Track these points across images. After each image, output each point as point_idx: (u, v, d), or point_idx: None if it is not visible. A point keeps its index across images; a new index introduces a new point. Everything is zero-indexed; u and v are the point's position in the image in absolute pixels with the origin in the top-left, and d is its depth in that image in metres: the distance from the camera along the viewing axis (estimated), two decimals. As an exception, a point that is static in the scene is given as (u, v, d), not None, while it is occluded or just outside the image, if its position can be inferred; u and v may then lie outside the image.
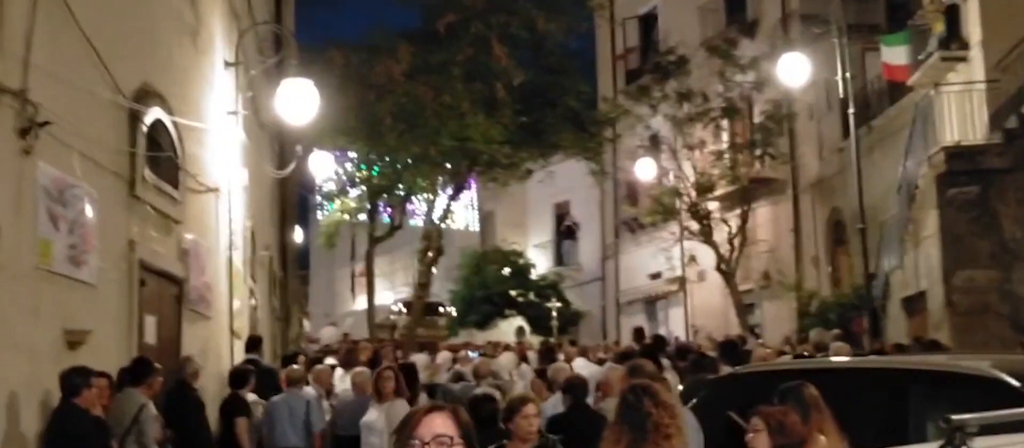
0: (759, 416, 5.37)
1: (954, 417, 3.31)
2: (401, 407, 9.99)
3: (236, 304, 15.45)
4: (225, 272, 14.87)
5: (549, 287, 39.65)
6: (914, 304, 20.34)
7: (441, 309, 34.74)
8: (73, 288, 8.82)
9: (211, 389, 12.89)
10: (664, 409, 5.58)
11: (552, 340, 26.12)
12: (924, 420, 6.20)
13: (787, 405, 5.74)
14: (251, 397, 11.80)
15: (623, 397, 5.77)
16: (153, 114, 11.01)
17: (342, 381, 14.63)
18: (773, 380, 7.30)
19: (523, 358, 19.19)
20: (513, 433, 6.81)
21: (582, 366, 15.09)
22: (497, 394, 9.62)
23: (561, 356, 17.07)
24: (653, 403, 5.55)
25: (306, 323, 29.32)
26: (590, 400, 9.31)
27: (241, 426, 11.10)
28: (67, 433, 7.64)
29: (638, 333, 22.74)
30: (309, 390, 12.56)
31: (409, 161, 27.16)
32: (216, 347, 14.16)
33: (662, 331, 31.83)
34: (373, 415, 10.53)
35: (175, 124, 11.84)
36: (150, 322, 10.89)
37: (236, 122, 15.41)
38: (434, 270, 33.88)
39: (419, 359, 22.17)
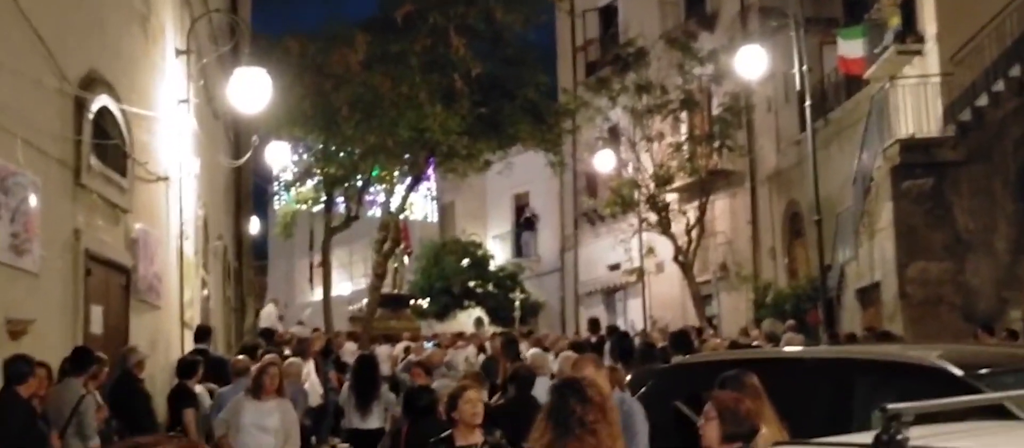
0: (712, 402, 5.33)
1: (890, 405, 3.27)
2: (289, 409, 9.86)
3: (187, 294, 15.29)
4: (176, 262, 14.72)
5: (508, 278, 39.59)
6: (868, 295, 20.49)
7: (412, 301, 34.58)
8: (15, 277, 8.66)
9: (161, 379, 12.76)
10: (589, 405, 5.54)
11: (513, 331, 26.09)
12: (870, 410, 6.19)
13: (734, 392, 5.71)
14: (199, 388, 11.64)
15: (550, 392, 5.76)
16: (100, 102, 10.85)
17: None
18: (720, 370, 7.29)
19: (482, 349, 19.14)
20: (458, 421, 6.79)
21: (541, 355, 15.03)
22: (440, 384, 9.63)
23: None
24: (578, 400, 5.52)
25: (270, 308, 29.04)
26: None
27: (189, 416, 10.96)
28: (6, 421, 7.49)
29: (593, 324, 22.76)
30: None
31: (366, 151, 26.97)
32: (166, 337, 14.00)
33: (620, 322, 31.98)
34: (258, 412, 9.61)
35: (123, 112, 11.68)
36: (96, 312, 10.73)
37: (187, 111, 15.23)
38: (406, 260, 33.86)
39: (382, 351, 22.17)
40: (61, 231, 9.89)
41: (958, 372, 5.99)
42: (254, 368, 10.46)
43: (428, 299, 38.26)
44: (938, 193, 18.60)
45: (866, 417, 6.16)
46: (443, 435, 6.84)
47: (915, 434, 3.29)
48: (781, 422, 5.56)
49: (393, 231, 28.83)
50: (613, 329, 20.38)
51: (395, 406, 12.82)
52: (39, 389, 8.35)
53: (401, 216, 31.25)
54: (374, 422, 12.47)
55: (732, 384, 5.82)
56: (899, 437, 3.23)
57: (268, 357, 11.01)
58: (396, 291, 34.84)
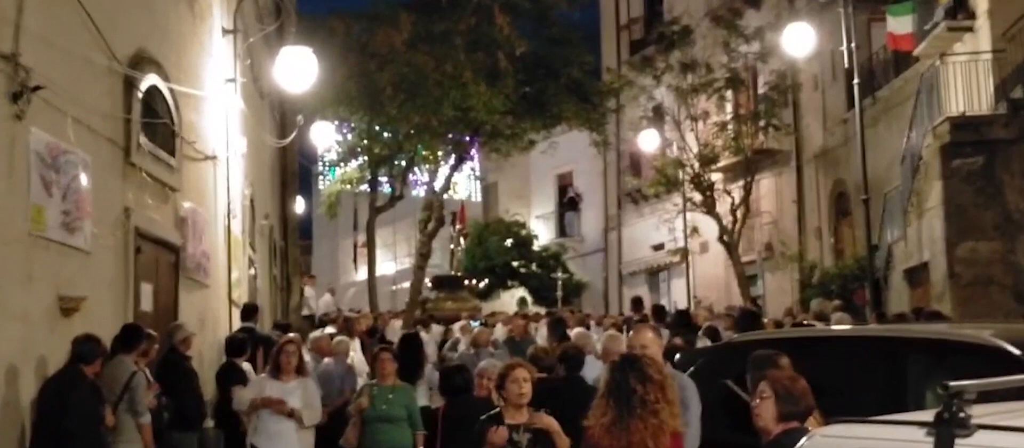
0: (767, 381, 5.27)
1: (952, 383, 3.22)
2: (312, 387, 9.92)
3: (235, 273, 15.39)
4: (223, 240, 14.81)
5: (552, 258, 39.58)
6: (917, 275, 20.26)
7: (467, 282, 34.60)
8: (67, 255, 8.75)
9: (209, 357, 12.87)
10: (650, 384, 5.54)
11: (561, 311, 26.06)
12: (923, 388, 6.13)
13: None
14: (247, 366, 11.72)
15: (609, 370, 5.75)
16: (149, 80, 10.93)
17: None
18: (774, 347, 7.23)
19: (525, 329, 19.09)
20: (506, 400, 6.78)
21: (584, 334, 15.00)
22: (488, 364, 9.62)
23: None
24: (638, 379, 5.53)
25: (309, 289, 29.14)
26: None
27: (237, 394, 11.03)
28: (71, 399, 7.59)
29: (636, 303, 22.71)
30: (306, 359, 12.49)
31: (411, 131, 27.03)
32: (214, 315, 14.11)
33: (664, 302, 31.87)
34: (280, 393, 9.60)
35: (172, 91, 11.76)
36: (146, 289, 10.83)
37: (234, 90, 15.31)
38: (462, 241, 33.92)
39: (436, 331, 22.25)
40: (112, 209, 9.98)
41: (1015, 351, 5.90)
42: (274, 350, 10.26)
43: (486, 280, 38.20)
44: (988, 172, 18.33)
45: (920, 396, 6.11)
46: (492, 413, 6.84)
47: (974, 413, 3.24)
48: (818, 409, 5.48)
49: (437, 211, 28.88)
50: (658, 308, 20.28)
51: (437, 389, 12.82)
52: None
53: (457, 198, 31.30)
54: (419, 401, 12.49)
55: (768, 365, 5.76)
56: (961, 415, 3.17)
57: (286, 336, 10.92)
58: (454, 272, 34.90)
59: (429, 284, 35.09)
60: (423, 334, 20.77)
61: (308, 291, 28.54)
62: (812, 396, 5.19)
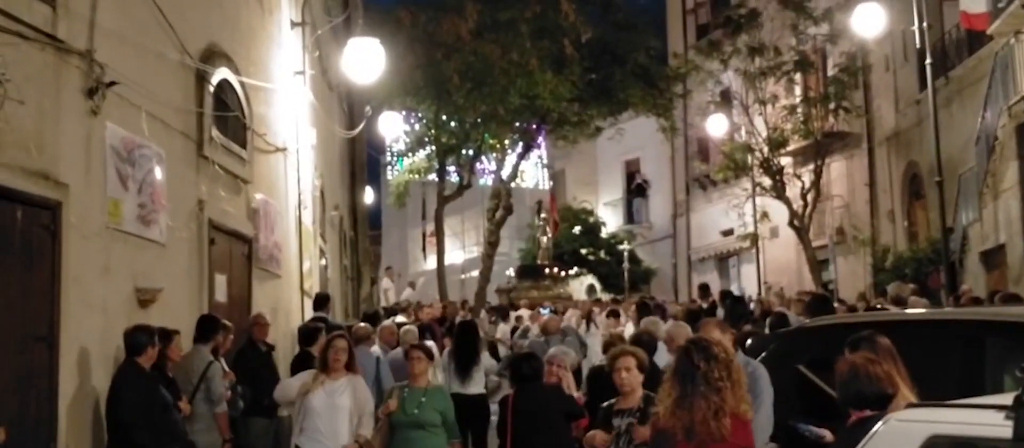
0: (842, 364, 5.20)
1: (1031, 366, 3.17)
2: (361, 386, 8.83)
3: (306, 263, 15.56)
4: (295, 231, 14.98)
5: (618, 246, 39.50)
6: (993, 258, 19.92)
7: (549, 270, 34.73)
8: (143, 247, 8.91)
9: (283, 346, 13.02)
10: (715, 362, 5.56)
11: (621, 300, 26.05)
12: (1002, 371, 6.03)
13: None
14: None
15: (677, 353, 5.79)
16: (220, 74, 11.08)
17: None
18: (844, 333, 7.15)
19: (587, 317, 19.07)
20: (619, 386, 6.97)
21: (653, 321, 14.95)
22: (558, 351, 9.62)
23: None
24: (703, 357, 5.56)
25: (387, 281, 29.34)
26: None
27: (311, 382, 11.15)
28: (125, 393, 7.68)
29: (704, 289, 22.59)
30: (376, 348, 12.60)
31: (478, 120, 27.11)
32: (287, 305, 14.29)
33: (734, 287, 31.67)
34: (329, 391, 8.60)
35: (242, 84, 11.91)
36: (220, 280, 11.00)
37: (303, 82, 15.47)
38: (549, 232, 34.02)
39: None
40: (186, 202, 10.14)
41: (1095, 333, 5.79)
42: (320, 345, 9.61)
43: (574, 268, 38.18)
44: (1067, 150, 17.97)
45: (999, 379, 6.00)
46: (610, 401, 7.01)
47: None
48: (912, 386, 5.38)
49: (504, 199, 28.94)
50: (726, 294, 20.15)
51: (494, 373, 12.90)
52: (174, 356, 8.61)
53: (524, 186, 31.29)
54: (475, 388, 12.50)
55: (865, 345, 5.67)
56: (1041, 398, 3.13)
57: (335, 332, 9.83)
58: (540, 262, 35.04)
59: (512, 273, 35.33)
60: (500, 323, 20.94)
61: (386, 283, 28.79)
62: (893, 380, 5.09)
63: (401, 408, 8.63)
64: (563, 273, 35.02)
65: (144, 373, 7.86)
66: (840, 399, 5.10)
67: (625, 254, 34.31)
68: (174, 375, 8.62)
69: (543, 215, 36.52)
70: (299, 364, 11.41)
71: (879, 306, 15.54)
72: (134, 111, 8.77)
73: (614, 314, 17.74)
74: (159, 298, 9.00)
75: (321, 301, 14.84)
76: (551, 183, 39.20)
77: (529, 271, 34.22)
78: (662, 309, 17.82)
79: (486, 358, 13.10)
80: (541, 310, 20.25)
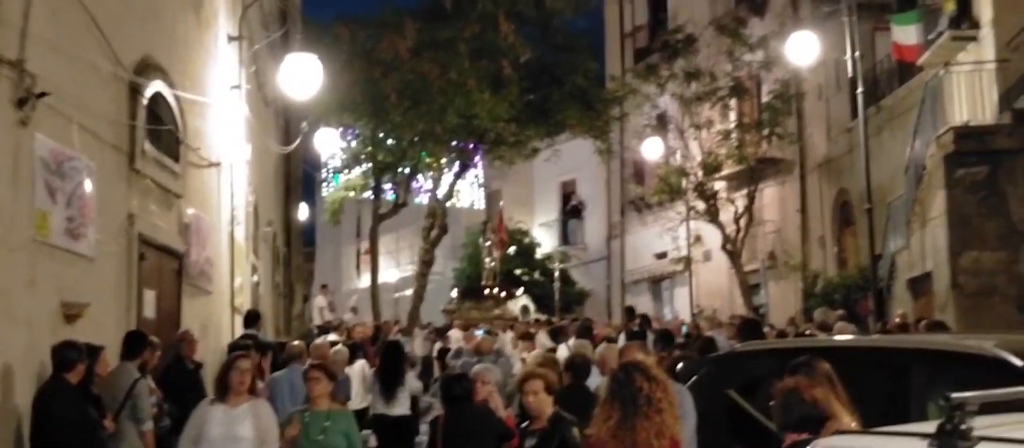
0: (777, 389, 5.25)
1: (954, 395, 3.22)
2: (265, 411, 8.08)
3: (238, 280, 15.41)
4: (227, 247, 14.84)
5: (552, 268, 39.56)
6: (920, 285, 20.25)
7: (489, 291, 34.66)
8: (71, 261, 8.77)
9: (212, 363, 12.85)
10: (655, 384, 5.59)
11: (556, 321, 26.09)
12: (926, 400, 6.12)
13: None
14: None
15: (613, 375, 5.80)
16: (154, 87, 10.96)
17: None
18: (773, 358, 7.23)
19: (524, 336, 19.10)
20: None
21: (585, 344, 15.00)
22: (482, 367, 9.64)
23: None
24: (644, 378, 5.58)
25: (321, 299, 29.08)
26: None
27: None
28: (54, 410, 7.53)
29: (629, 312, 22.80)
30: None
31: (415, 138, 27.06)
32: (217, 322, 14.13)
33: (667, 310, 31.92)
34: (228, 420, 7.78)
35: (176, 97, 11.79)
36: (149, 296, 10.85)
37: (239, 96, 15.34)
38: (496, 253, 33.83)
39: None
40: (116, 216, 10.00)
41: (1018, 362, 5.89)
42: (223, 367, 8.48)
43: (520, 289, 38.06)
44: (992, 182, 18.31)
45: (922, 407, 6.10)
46: (525, 423, 7.03)
47: (976, 425, 3.24)
48: (853, 411, 5.44)
49: (440, 218, 28.91)
50: (643, 318, 20.42)
51: (421, 392, 12.87)
52: (100, 371, 8.46)
53: (459, 206, 31.20)
54: (400, 408, 12.47)
55: (804, 370, 5.73)
56: (963, 427, 3.17)
57: (237, 353, 9.06)
58: (486, 283, 34.97)
59: (455, 294, 35.26)
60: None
61: (321, 300, 28.54)
62: (829, 404, 5.14)
63: (304, 434, 8.00)
64: (503, 293, 34.99)
65: (73, 390, 7.72)
66: (777, 422, 5.14)
67: (556, 274, 34.40)
68: (99, 392, 8.46)
69: (489, 236, 36.53)
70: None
71: (808, 332, 15.74)
72: (65, 123, 8.64)
73: (527, 336, 17.75)
74: (86, 313, 8.85)
75: (252, 318, 14.67)
76: (501, 204, 39.15)
77: (470, 292, 34.21)
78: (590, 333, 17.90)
79: (411, 379, 13.05)
80: (475, 331, 20.20)
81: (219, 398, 7.92)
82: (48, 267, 8.34)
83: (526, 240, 41.81)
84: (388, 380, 12.46)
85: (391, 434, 12.43)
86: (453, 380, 8.84)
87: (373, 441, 12.40)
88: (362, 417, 13.69)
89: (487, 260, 35.37)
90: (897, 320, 17.43)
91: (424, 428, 11.72)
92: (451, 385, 8.64)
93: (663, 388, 5.64)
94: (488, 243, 36.12)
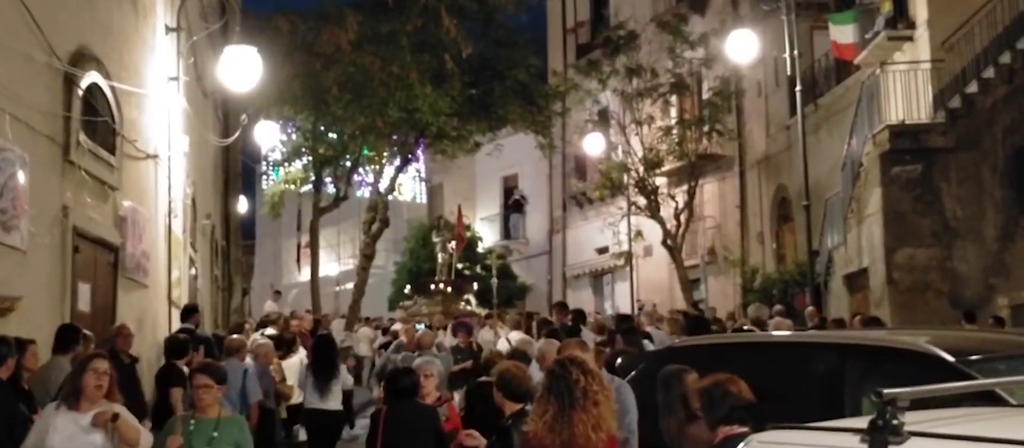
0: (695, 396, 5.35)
1: (885, 391, 3.26)
2: (126, 418, 6.88)
3: (175, 273, 15.24)
4: (164, 240, 14.66)
5: (498, 260, 39.59)
6: (856, 281, 20.53)
7: (437, 287, 34.61)
8: (3, 253, 8.61)
9: (148, 357, 12.72)
10: (591, 377, 5.60)
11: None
12: (860, 395, 6.20)
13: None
14: (186, 369, 11.58)
15: (549, 370, 5.80)
16: (89, 78, 10.79)
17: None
18: (713, 353, 7.30)
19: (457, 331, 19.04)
20: None
21: (526, 340, 15.02)
22: (424, 361, 9.63)
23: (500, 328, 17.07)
24: (580, 371, 5.59)
25: (270, 304, 28.81)
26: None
27: (176, 395, 10.89)
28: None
29: (561, 307, 22.73)
30: (248, 361, 12.39)
31: (356, 131, 26.90)
32: (153, 316, 13.96)
33: (607, 305, 32.04)
34: (75, 430, 6.64)
35: (113, 89, 11.62)
36: (84, 289, 10.69)
37: (177, 88, 15.16)
38: (453, 251, 33.69)
39: (363, 332, 22.08)
40: (49, 208, 9.83)
41: (949, 358, 5.99)
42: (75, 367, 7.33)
43: (475, 286, 37.96)
44: (927, 179, 18.63)
45: (856, 402, 6.18)
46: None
47: (908, 420, 3.28)
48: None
49: (381, 212, 28.77)
50: (577, 313, 20.46)
51: (353, 387, 12.83)
52: (30, 365, 8.30)
53: (401, 199, 31.09)
54: (333, 403, 12.44)
55: (674, 381, 5.83)
56: (894, 422, 3.21)
57: (94, 352, 7.73)
58: (439, 279, 34.88)
59: (407, 290, 35.20)
60: (363, 332, 20.73)
61: (269, 305, 28.30)
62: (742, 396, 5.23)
63: (188, 445, 7.05)
64: (450, 289, 34.91)
65: (3, 385, 7.57)
66: (712, 418, 5.19)
67: (493, 268, 34.46)
68: (31, 387, 8.31)
69: (442, 232, 36.46)
70: (164, 376, 11.18)
71: (747, 327, 15.90)
72: (-3, 113, 8.49)
73: (464, 327, 17.70)
74: (18, 306, 8.70)
75: (189, 312, 14.48)
76: (459, 205, 39.08)
77: (421, 288, 34.36)
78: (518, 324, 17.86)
79: (345, 373, 13.00)
80: (416, 326, 20.15)
81: (68, 403, 6.73)
82: (-21, 260, 8.19)
83: (468, 234, 41.79)
84: (321, 374, 12.42)
85: (323, 428, 12.38)
86: (401, 373, 8.73)
87: (303, 435, 12.33)
88: (297, 411, 13.65)
89: (441, 256, 35.33)
90: (810, 313, 17.72)
91: (362, 422, 11.68)
92: (398, 378, 8.54)
93: (599, 382, 5.66)
94: (439, 239, 36.09)
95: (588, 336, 14.02)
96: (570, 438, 5.50)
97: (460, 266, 39.10)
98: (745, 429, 5.01)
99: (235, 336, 13.30)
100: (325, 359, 12.64)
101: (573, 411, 5.52)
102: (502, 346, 15.32)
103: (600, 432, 5.54)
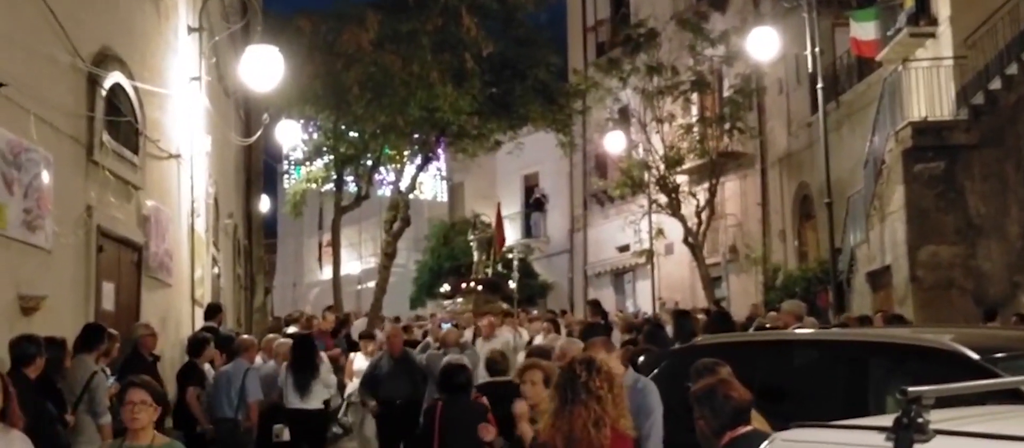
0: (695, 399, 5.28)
1: (911, 389, 3.25)
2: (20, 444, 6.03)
3: (198, 272, 15.30)
4: (187, 239, 14.72)
5: (520, 259, 39.58)
6: (879, 278, 20.44)
7: (467, 285, 34.70)
8: (28, 253, 8.66)
9: (171, 356, 12.78)
10: (596, 374, 5.59)
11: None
12: (884, 393, 6.19)
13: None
14: (208, 367, 11.66)
15: (561, 370, 5.82)
16: (113, 78, 10.84)
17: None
18: (737, 351, 7.28)
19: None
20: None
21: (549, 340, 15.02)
22: (458, 359, 9.65)
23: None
24: (586, 369, 5.59)
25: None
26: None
27: (191, 395, 10.96)
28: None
29: (596, 306, 22.73)
30: (258, 360, 12.48)
31: (377, 130, 26.95)
32: (177, 315, 14.02)
33: (629, 304, 31.98)
34: None
35: (136, 89, 11.67)
36: (108, 288, 10.74)
37: (199, 88, 15.22)
38: (495, 257, 33.74)
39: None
40: (73, 208, 9.89)
41: (974, 356, 5.96)
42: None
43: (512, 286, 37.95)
44: (950, 176, 18.54)
45: (881, 400, 6.16)
46: None
47: (933, 418, 3.27)
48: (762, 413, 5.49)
49: (402, 210, 28.81)
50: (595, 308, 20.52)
51: (334, 388, 12.91)
52: (64, 362, 8.35)
53: (422, 198, 31.13)
54: (314, 402, 12.49)
55: (707, 374, 5.79)
56: (920, 420, 3.20)
57: None
58: (473, 279, 34.92)
59: (443, 290, 35.28)
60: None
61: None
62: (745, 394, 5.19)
63: None
64: (481, 288, 34.94)
65: (31, 384, 7.62)
66: (711, 427, 5.11)
67: (515, 265, 34.55)
68: (50, 384, 8.36)
69: (479, 231, 36.46)
70: (185, 375, 11.24)
71: (768, 325, 15.82)
72: (22, 114, 8.53)
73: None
74: (43, 306, 8.75)
75: (212, 310, 14.58)
76: (499, 202, 39.15)
77: (456, 288, 34.51)
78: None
79: (325, 373, 13.02)
80: (442, 325, 20.15)
81: None
82: (5, 259, 8.24)
83: (489, 232, 41.80)
84: (300, 374, 12.46)
85: (304, 427, 12.43)
86: (456, 369, 8.81)
87: (286, 435, 12.37)
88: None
89: (481, 257, 35.29)
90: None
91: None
92: (454, 374, 8.64)
93: (606, 378, 5.64)
94: (474, 238, 36.09)
95: (617, 337, 14.04)
96: (569, 433, 5.50)
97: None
98: (748, 428, 4.99)
99: (245, 336, 13.39)
100: (304, 359, 12.68)
101: (574, 406, 5.53)
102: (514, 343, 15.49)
103: (603, 428, 5.51)
